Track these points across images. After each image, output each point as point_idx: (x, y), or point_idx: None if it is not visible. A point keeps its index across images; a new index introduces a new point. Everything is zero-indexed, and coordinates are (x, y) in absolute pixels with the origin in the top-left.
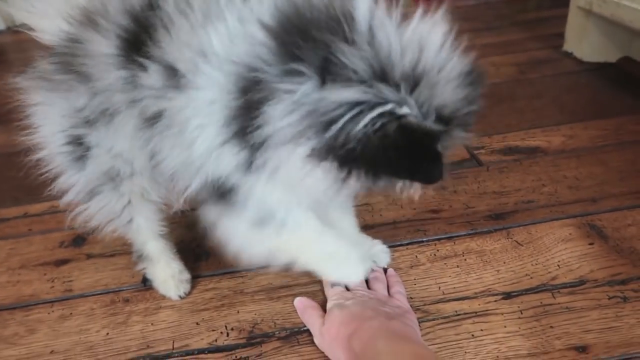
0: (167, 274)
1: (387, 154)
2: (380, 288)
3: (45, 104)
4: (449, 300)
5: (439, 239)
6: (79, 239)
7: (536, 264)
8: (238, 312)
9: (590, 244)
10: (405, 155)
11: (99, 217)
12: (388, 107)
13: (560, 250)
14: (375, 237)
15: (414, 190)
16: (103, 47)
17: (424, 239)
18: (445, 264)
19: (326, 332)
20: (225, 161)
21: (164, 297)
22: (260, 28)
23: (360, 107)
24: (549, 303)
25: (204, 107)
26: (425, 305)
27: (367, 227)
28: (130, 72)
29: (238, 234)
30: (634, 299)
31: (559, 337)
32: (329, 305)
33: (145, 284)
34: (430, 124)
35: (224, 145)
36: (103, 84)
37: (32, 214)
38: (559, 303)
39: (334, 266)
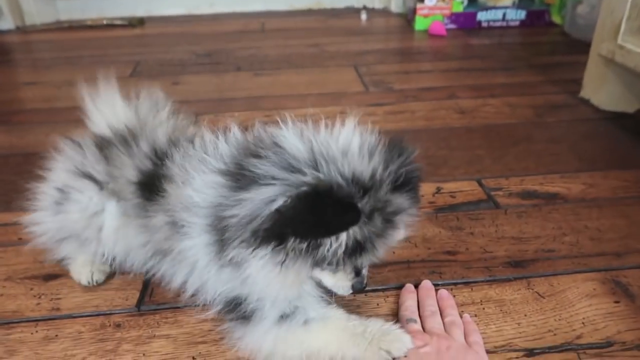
0: (88, 260)
1: (304, 215)
2: (458, 334)
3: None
4: None
5: (455, 284)
6: None
7: (560, 320)
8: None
9: (615, 302)
10: (320, 208)
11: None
12: (295, 188)
13: (585, 307)
14: (388, 276)
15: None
16: (129, 174)
17: (440, 282)
18: (462, 311)
19: None
20: (229, 277)
21: (158, 325)
22: (219, 174)
23: (275, 197)
24: None
25: (203, 249)
26: None
27: (379, 265)
28: (143, 204)
29: (267, 338)
30: None
31: None
32: None
33: (140, 308)
34: (340, 187)
35: (222, 269)
36: (121, 192)
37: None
38: None
39: (359, 346)
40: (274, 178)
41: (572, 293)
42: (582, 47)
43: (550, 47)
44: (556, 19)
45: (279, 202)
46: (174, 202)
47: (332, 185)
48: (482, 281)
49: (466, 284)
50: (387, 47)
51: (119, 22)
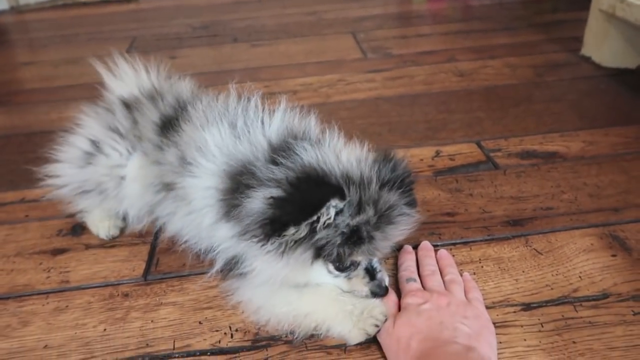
0: (104, 216)
1: (289, 197)
2: (457, 291)
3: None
4: None
5: (454, 244)
6: (78, 228)
7: (557, 275)
8: (243, 312)
9: (613, 255)
10: (312, 187)
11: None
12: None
13: (582, 261)
14: None
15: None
16: (153, 116)
17: (439, 243)
18: (461, 270)
19: (395, 334)
20: (226, 236)
21: (165, 293)
22: (267, 142)
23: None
24: (570, 317)
25: (203, 191)
26: None
27: None
28: (160, 141)
29: (260, 291)
30: None
31: (582, 354)
32: (403, 302)
33: (146, 278)
34: (323, 172)
35: (219, 221)
36: (143, 134)
37: (30, 200)
38: (581, 317)
39: (345, 324)
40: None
41: (570, 249)
42: (584, 3)
43: (552, 4)
44: None
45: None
46: (187, 140)
47: (317, 169)
48: (481, 240)
49: (465, 243)
50: (386, 12)
51: None
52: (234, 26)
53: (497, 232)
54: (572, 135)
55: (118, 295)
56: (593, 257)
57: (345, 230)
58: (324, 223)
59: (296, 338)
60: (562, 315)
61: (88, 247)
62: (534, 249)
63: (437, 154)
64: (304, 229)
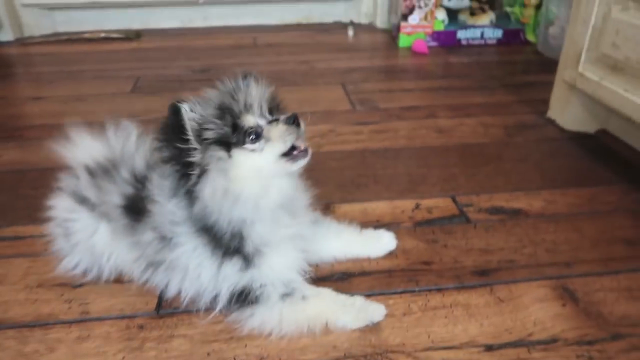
0: None
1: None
2: None
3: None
4: (437, 349)
5: (429, 290)
6: None
7: (515, 320)
8: (246, 345)
9: (563, 305)
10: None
11: None
12: None
13: (537, 309)
14: (372, 284)
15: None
16: (115, 199)
17: (417, 289)
18: (435, 314)
19: None
20: (232, 273)
21: (176, 326)
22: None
23: None
24: (524, 358)
25: (192, 253)
26: (416, 352)
27: (365, 274)
28: (131, 224)
29: (274, 312)
30: (598, 359)
31: None
32: None
33: (159, 312)
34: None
35: (221, 265)
36: (109, 215)
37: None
38: (533, 358)
39: (349, 315)
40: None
41: (527, 298)
42: (553, 66)
43: (524, 66)
44: (531, 37)
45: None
46: (159, 220)
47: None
48: (452, 288)
49: (439, 290)
50: (373, 64)
51: (115, 35)
52: (232, 71)
53: (466, 281)
54: (535, 194)
55: (134, 326)
56: (546, 305)
57: (213, 112)
58: (196, 123)
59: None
60: (518, 356)
61: (105, 281)
62: (498, 297)
63: (417, 206)
64: (193, 143)
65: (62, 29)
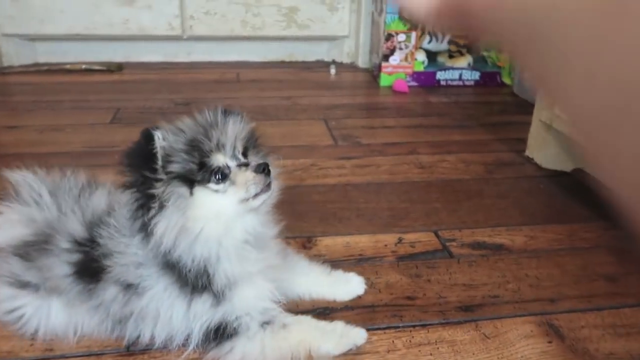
0: None
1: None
2: None
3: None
4: None
5: (414, 326)
6: None
7: (502, 357)
8: None
9: (549, 342)
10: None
11: None
12: None
13: (523, 346)
14: (355, 319)
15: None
16: (61, 271)
17: (400, 325)
18: (419, 350)
19: None
20: (203, 310)
21: None
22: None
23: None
24: None
25: (162, 294)
26: None
27: (348, 309)
28: (87, 290)
29: (255, 342)
30: None
31: None
32: None
33: (129, 349)
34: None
35: (191, 303)
36: (58, 289)
37: None
38: None
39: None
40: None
41: (513, 334)
42: (529, 107)
43: (501, 106)
44: (506, 80)
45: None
46: (122, 269)
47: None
48: (437, 324)
49: (423, 326)
50: (355, 101)
51: (97, 67)
52: (214, 104)
53: (451, 317)
54: (516, 230)
55: None
56: (532, 342)
57: (183, 146)
58: (165, 153)
59: None
60: None
61: None
62: (483, 333)
63: (400, 240)
64: (160, 173)
65: (43, 59)
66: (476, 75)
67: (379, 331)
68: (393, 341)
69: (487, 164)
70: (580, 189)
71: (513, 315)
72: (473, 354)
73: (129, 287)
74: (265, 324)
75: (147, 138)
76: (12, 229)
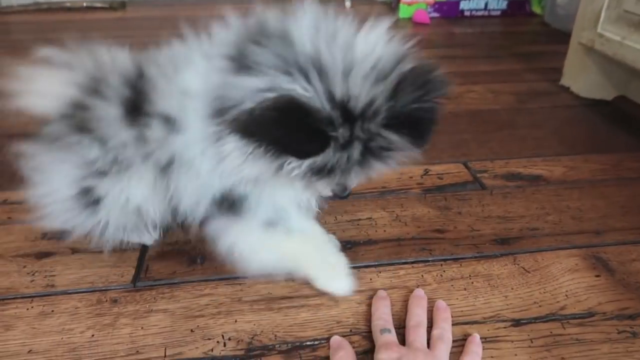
0: None
1: (265, 122)
2: (441, 350)
3: (55, 162)
4: (457, 324)
5: (444, 260)
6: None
7: (544, 292)
8: (236, 321)
9: (596, 276)
10: (281, 125)
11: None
12: (282, 90)
13: (568, 281)
14: (380, 254)
15: (300, 169)
16: (111, 111)
17: (430, 259)
18: (452, 285)
19: None
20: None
21: (155, 300)
22: (219, 57)
23: (261, 91)
24: (559, 333)
25: (199, 138)
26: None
27: (371, 242)
28: (138, 131)
29: (249, 239)
30: None
31: None
32: (376, 357)
33: (136, 284)
34: (320, 106)
35: (222, 160)
36: (115, 142)
37: (13, 202)
38: (569, 334)
39: (329, 276)
40: (266, 70)
41: (556, 268)
42: (562, 37)
43: (531, 36)
44: (536, 9)
45: (259, 97)
46: (163, 99)
47: (308, 105)
48: (471, 257)
49: (455, 260)
50: None
51: (99, 5)
52: None
53: (485, 250)
54: (554, 160)
55: (106, 301)
56: (578, 276)
57: (314, 166)
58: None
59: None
60: (551, 332)
61: (74, 251)
62: (522, 267)
63: (426, 172)
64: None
65: None
66: (503, 4)
67: (407, 265)
68: (422, 275)
69: (519, 94)
70: (624, 118)
71: (555, 248)
72: (512, 288)
73: (168, 122)
74: (269, 223)
75: (308, 152)
76: (56, 92)
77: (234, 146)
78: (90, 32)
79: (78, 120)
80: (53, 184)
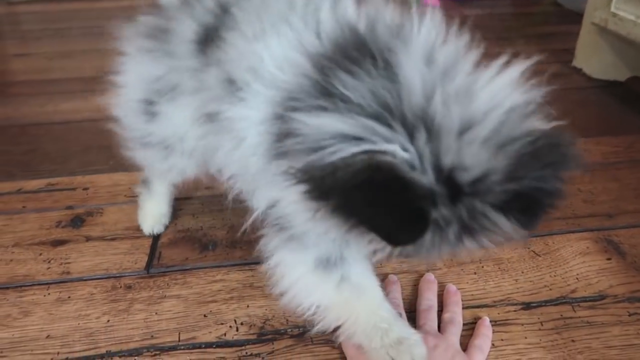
0: (153, 210)
1: (351, 191)
2: (452, 334)
3: (135, 59)
4: (467, 307)
5: None
6: (78, 220)
7: (555, 276)
8: (248, 306)
9: (608, 259)
10: (372, 200)
11: (140, 161)
12: (377, 145)
13: (578, 264)
14: None
15: (383, 251)
16: (188, 32)
17: None
18: (462, 269)
19: None
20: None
21: (168, 286)
22: (306, 58)
23: (348, 139)
24: (569, 316)
25: (257, 125)
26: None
27: None
28: (200, 63)
29: (298, 271)
30: None
31: (581, 352)
32: None
33: (149, 271)
34: (423, 177)
35: (271, 164)
36: (180, 64)
37: (27, 191)
38: (579, 317)
39: (373, 339)
40: (356, 110)
41: (567, 251)
42: (574, 17)
43: (542, 17)
44: None
45: (344, 153)
46: (234, 56)
47: (410, 177)
48: None
49: None
50: None
51: None
52: None
53: None
54: None
55: (121, 287)
56: (589, 259)
57: (402, 252)
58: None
59: (307, 331)
60: (561, 315)
61: (88, 239)
62: (532, 250)
63: None
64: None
65: None
66: None
67: None
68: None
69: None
70: (638, 99)
71: (566, 232)
72: (522, 272)
73: (230, 84)
74: (325, 262)
75: (400, 240)
76: None
77: (299, 198)
78: (99, 21)
79: (162, 24)
80: (129, 80)
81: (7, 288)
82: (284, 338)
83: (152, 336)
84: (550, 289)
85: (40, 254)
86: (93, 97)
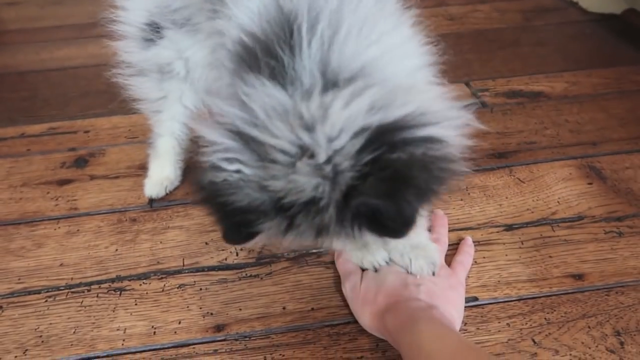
0: (157, 172)
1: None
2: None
3: None
4: (453, 230)
5: None
6: (81, 161)
7: (537, 200)
8: None
9: (589, 183)
10: (208, 212)
11: (135, 91)
12: (219, 162)
13: (561, 188)
14: None
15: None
16: None
17: None
18: (449, 196)
19: (363, 288)
20: None
21: (171, 218)
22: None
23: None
24: (548, 235)
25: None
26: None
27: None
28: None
29: None
30: (629, 234)
31: (557, 266)
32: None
33: (152, 205)
34: (251, 195)
35: None
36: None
37: (30, 135)
38: (557, 236)
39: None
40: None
41: (550, 178)
42: None
43: None
44: None
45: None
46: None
47: (227, 199)
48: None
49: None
50: None
51: None
52: None
53: (483, 164)
54: (557, 77)
55: (126, 220)
56: (571, 184)
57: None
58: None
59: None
60: (541, 235)
61: (93, 177)
62: (517, 178)
63: None
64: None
65: None
66: None
67: None
68: None
69: (526, 12)
70: (632, 31)
71: (551, 160)
72: (506, 197)
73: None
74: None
75: None
76: None
77: None
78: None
79: None
80: (133, 4)
81: (20, 224)
82: (280, 261)
83: (158, 262)
84: (532, 212)
85: (48, 193)
86: (87, 44)
